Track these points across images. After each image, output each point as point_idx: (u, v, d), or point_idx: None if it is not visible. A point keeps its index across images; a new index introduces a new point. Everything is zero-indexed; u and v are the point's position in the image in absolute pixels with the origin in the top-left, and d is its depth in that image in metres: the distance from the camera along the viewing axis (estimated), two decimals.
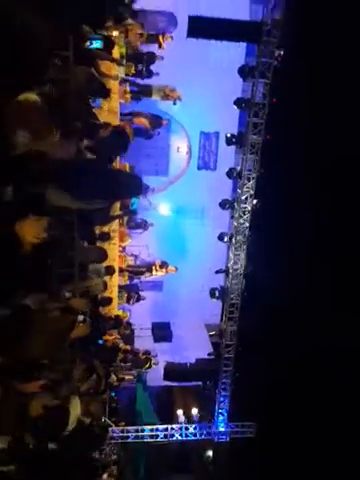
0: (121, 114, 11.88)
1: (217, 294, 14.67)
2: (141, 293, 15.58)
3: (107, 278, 10.18)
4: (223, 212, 14.19)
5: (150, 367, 14.68)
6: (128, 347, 13.89)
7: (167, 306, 18.01)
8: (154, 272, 15.15)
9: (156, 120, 13.50)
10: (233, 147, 13.82)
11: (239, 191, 13.20)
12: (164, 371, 15.63)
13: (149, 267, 15.17)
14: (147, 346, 15.62)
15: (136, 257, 16.13)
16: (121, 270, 14.26)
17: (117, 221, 12.67)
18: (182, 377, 15.98)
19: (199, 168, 17.36)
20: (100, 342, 10.35)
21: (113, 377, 12.86)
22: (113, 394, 14.98)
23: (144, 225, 15.70)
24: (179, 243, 17.57)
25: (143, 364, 14.50)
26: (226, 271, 14.51)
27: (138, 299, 15.20)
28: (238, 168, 13.16)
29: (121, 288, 14.37)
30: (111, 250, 12.17)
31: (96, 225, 9.74)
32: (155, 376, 15.78)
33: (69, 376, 5.75)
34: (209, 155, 17.06)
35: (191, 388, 17.20)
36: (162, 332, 17.33)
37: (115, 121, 10.55)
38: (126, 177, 5.53)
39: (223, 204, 13.67)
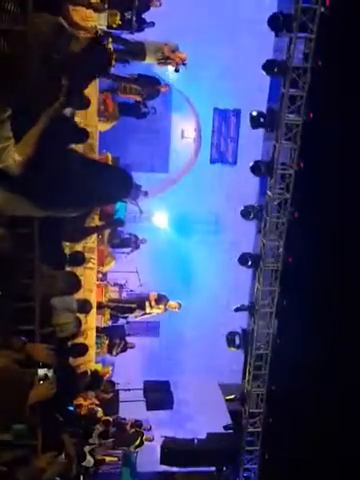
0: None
1: (237, 341, 14.54)
2: (129, 339, 15.51)
3: (81, 317, 10.08)
4: (246, 224, 14.27)
5: (141, 445, 14.70)
6: (110, 417, 13.84)
7: (166, 358, 18.05)
8: (148, 309, 14.93)
9: (151, 87, 13.42)
10: (261, 131, 13.66)
11: (269, 194, 13.13)
12: (161, 451, 15.40)
13: (141, 302, 14.97)
14: (137, 415, 15.54)
15: (122, 287, 16.08)
16: (100, 306, 14.29)
17: (95, 237, 12.69)
18: (187, 460, 15.74)
19: (212, 161, 17.48)
20: (70, 409, 10.24)
21: (89, 459, 12.60)
22: None
23: (134, 242, 15.66)
24: (183, 268, 17.70)
25: (131, 441, 14.53)
26: (250, 308, 14.35)
27: (124, 348, 15.10)
28: (268, 161, 13.00)
29: (100, 332, 14.40)
30: (86, 278, 12.34)
31: (65, 242, 9.97)
32: (149, 458, 15.75)
33: (27, 458, 5.82)
34: (226, 142, 17.12)
35: (200, 476, 16.80)
36: (159, 395, 17.05)
37: (91, 93, 10.57)
38: (108, 173, 5.42)
39: (246, 213, 13.57)
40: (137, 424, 14.87)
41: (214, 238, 17.73)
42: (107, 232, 14.17)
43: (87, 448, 12.69)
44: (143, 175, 15.30)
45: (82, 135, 8.68)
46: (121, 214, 13.53)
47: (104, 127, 12.47)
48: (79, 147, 8.94)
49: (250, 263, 13.98)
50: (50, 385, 4.99)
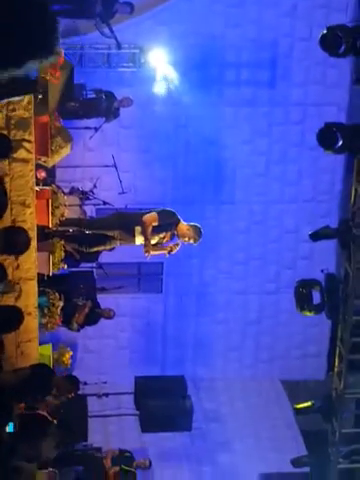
0: None
1: (317, 298, 13.91)
2: (103, 299, 16.11)
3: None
4: (332, 71, 16.00)
5: None
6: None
7: (175, 335, 18.69)
8: (138, 239, 13.61)
9: None
10: None
11: None
12: None
13: (125, 226, 13.77)
14: (124, 442, 16.58)
15: (86, 197, 16.16)
16: (46, 234, 13.49)
17: (28, 98, 11.65)
18: None
19: None
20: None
21: None
22: None
23: (106, 107, 16.07)
24: (204, 158, 17.95)
25: None
26: (342, 232, 13.93)
27: (95, 316, 15.30)
28: None
29: (47, 284, 13.97)
30: (15, 179, 11.99)
31: None
32: None
33: None
34: None
35: None
36: (164, 404, 17.21)
37: None
38: None
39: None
40: (123, 455, 15.58)
41: (267, 94, 17.53)
42: (57, 86, 13.68)
43: None
44: None
45: None
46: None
47: None
48: None
49: (340, 143, 12.85)
50: None
